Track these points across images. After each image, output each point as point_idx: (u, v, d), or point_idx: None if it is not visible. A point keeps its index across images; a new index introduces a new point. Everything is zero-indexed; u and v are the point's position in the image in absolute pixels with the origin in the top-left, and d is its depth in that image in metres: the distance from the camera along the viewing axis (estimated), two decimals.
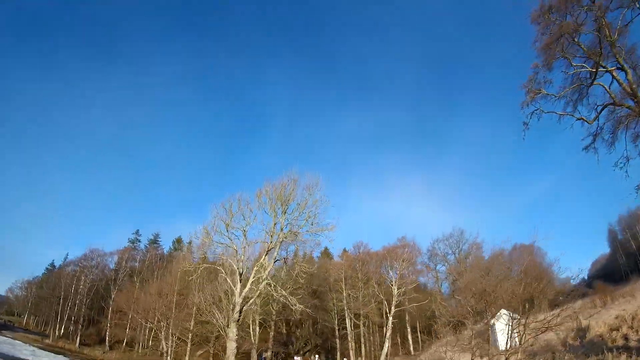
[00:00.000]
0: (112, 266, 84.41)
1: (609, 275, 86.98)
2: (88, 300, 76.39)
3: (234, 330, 27.54)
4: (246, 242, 27.34)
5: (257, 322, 55.94)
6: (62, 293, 75.19)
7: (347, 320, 62.52)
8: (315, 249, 58.34)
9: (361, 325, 64.13)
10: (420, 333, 72.95)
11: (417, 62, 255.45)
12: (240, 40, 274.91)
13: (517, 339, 30.68)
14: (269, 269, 26.94)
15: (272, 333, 57.58)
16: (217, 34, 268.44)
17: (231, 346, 28.09)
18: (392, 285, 59.86)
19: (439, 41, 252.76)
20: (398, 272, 59.68)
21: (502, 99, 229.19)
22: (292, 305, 27.45)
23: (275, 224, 26.47)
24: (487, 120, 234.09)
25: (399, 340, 74.34)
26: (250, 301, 28.04)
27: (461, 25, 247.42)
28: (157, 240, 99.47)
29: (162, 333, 51.70)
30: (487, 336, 34.18)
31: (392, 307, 57.36)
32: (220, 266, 28.78)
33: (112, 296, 69.98)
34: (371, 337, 71.61)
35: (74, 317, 73.07)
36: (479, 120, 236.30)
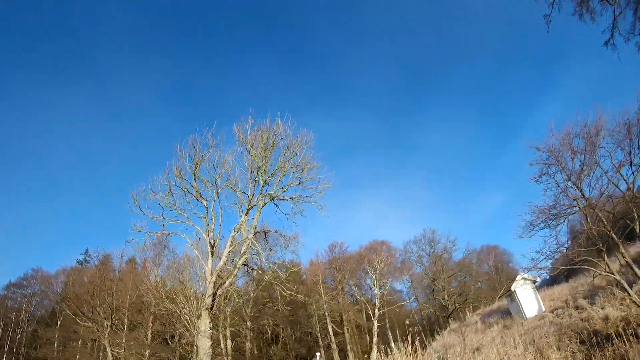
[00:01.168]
0: (58, 289, 75.27)
1: (574, 271, 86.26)
2: (30, 329, 67.00)
3: (207, 321, 21.27)
4: (219, 202, 21.39)
5: (229, 335, 49.35)
6: (2, 321, 65.51)
7: (329, 327, 56.98)
8: (292, 242, 52.68)
9: (345, 332, 58.78)
10: (400, 342, 68.62)
11: (388, 68, 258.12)
12: (208, 48, 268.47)
13: (541, 303, 26.81)
14: (251, 236, 21.07)
15: (247, 344, 50.84)
16: (176, 43, 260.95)
17: (204, 345, 21.46)
18: (373, 285, 55.76)
19: (409, 48, 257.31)
20: (378, 271, 55.63)
21: (470, 104, 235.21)
22: (279, 287, 22.10)
23: (258, 168, 20.60)
24: (456, 127, 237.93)
25: (383, 348, 69.69)
26: (227, 282, 22.08)
27: (430, 33, 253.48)
28: (109, 261, 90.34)
29: (106, 336, 35.70)
30: (509, 306, 30.19)
31: (376, 310, 53.09)
32: (182, 235, 22.27)
33: (59, 321, 61.36)
34: (355, 347, 66.42)
35: (15, 347, 63.54)
36: (448, 127, 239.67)
